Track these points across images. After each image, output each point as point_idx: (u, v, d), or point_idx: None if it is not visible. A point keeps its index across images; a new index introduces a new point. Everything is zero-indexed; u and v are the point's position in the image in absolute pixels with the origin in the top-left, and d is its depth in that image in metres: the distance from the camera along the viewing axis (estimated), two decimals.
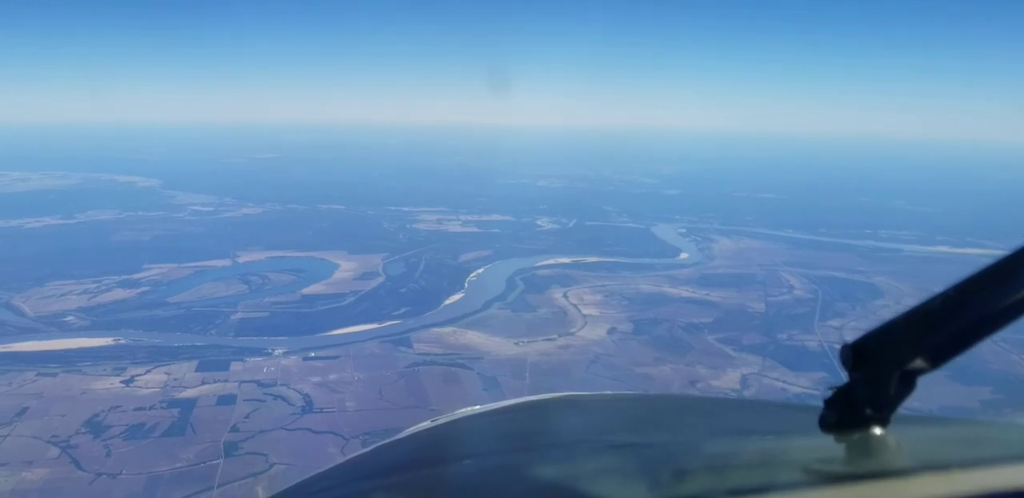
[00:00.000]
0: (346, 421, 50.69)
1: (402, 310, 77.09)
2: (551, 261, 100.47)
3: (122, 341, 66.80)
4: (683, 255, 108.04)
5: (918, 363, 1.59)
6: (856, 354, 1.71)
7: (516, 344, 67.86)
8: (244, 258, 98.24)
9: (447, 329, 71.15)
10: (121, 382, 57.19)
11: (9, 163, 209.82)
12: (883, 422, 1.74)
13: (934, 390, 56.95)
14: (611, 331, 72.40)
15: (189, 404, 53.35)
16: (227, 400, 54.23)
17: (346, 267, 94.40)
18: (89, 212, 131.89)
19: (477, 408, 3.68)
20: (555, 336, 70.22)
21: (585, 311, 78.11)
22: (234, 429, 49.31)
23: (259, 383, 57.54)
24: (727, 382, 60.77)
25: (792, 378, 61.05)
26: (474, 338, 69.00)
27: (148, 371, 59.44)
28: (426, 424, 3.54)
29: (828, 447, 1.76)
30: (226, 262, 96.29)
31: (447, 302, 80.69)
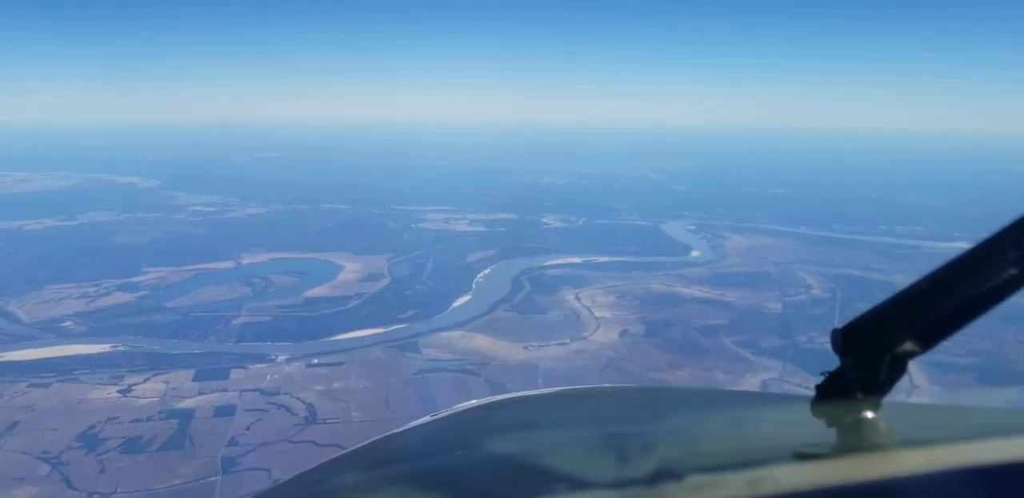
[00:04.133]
0: (352, 433, 48.56)
1: (408, 313, 74.86)
2: (560, 260, 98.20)
3: (121, 347, 64.89)
4: (694, 253, 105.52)
5: (908, 346, 1.61)
6: (846, 338, 1.72)
7: (525, 348, 65.71)
8: (247, 260, 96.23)
9: (456, 333, 68.93)
10: (118, 391, 55.21)
11: (13, 163, 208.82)
12: (874, 406, 1.75)
13: (963, 393, 55.26)
14: (623, 334, 70.16)
15: (188, 414, 51.36)
16: (228, 410, 52.21)
17: (351, 268, 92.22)
18: (90, 213, 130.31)
19: (474, 402, 3.47)
20: (566, 340, 67.95)
21: (597, 313, 75.82)
22: (234, 442, 47.29)
23: (261, 391, 55.67)
24: (747, 387, 58.33)
25: (815, 383, 58.66)
26: (483, 342, 66.80)
27: (147, 379, 57.48)
28: (426, 419, 3.38)
29: (819, 430, 1.79)
30: (229, 264, 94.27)
31: (455, 304, 78.46)
